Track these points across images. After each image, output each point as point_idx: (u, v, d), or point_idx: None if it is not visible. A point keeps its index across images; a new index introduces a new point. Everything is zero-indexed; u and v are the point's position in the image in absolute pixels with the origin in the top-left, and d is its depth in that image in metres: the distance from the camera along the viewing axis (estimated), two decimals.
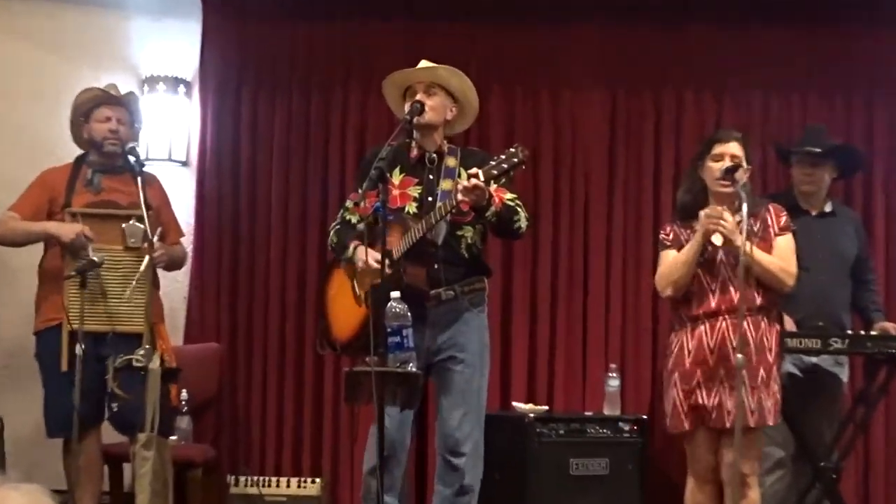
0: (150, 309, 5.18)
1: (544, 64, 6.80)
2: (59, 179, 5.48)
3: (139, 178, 5.17)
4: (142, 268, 5.22)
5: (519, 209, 4.83)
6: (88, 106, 5.52)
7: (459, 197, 4.53)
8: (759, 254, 4.70)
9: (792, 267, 4.83)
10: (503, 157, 4.52)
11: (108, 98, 5.52)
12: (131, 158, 5.34)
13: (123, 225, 5.29)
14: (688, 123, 6.75)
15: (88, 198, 5.42)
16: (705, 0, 6.76)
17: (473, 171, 4.51)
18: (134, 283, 5.23)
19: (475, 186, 4.47)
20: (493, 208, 4.65)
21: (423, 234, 4.63)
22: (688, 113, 6.76)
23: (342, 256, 4.86)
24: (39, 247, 5.56)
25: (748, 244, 4.49)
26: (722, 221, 4.68)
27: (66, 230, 5.28)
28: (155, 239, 5.23)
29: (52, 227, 5.37)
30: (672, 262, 4.88)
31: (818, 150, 5.80)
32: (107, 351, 5.11)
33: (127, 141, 5.46)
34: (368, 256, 4.57)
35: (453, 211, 4.62)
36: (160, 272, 5.59)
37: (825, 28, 6.78)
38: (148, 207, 5.18)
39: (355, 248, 4.71)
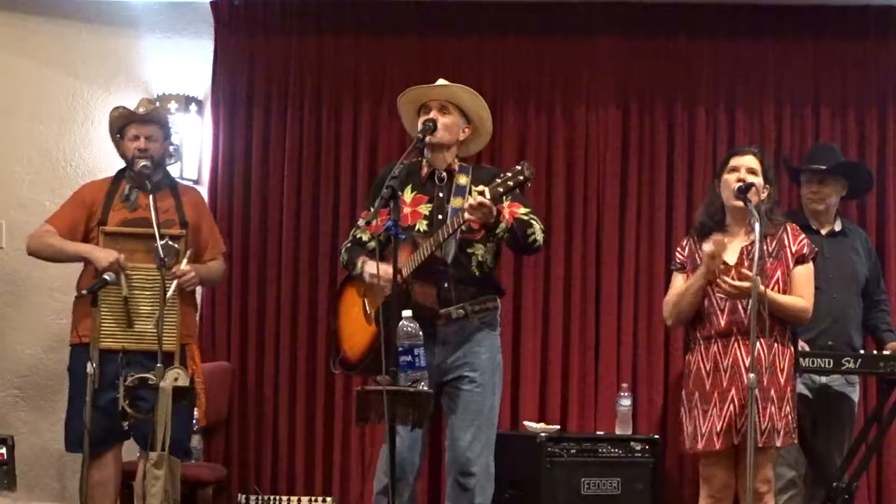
0: (163, 326, 5.15)
1: (557, 80, 6.79)
2: (97, 194, 5.48)
3: (151, 197, 5.16)
4: (171, 289, 5.22)
5: (534, 222, 4.80)
6: (118, 124, 5.51)
7: (466, 216, 4.52)
8: (775, 296, 4.68)
9: (809, 301, 4.83)
10: (509, 174, 4.51)
11: (134, 116, 5.51)
12: (143, 175, 5.33)
13: (157, 244, 5.26)
14: (700, 139, 6.73)
15: (124, 214, 5.42)
16: (717, 16, 6.75)
17: (480, 188, 4.51)
18: (162, 306, 5.24)
19: (481, 204, 4.46)
20: (503, 224, 4.64)
21: (432, 251, 4.62)
22: (700, 129, 6.74)
23: (352, 273, 4.86)
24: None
25: (761, 285, 4.49)
26: (729, 281, 4.66)
27: (102, 256, 5.26)
28: (184, 261, 5.24)
29: (86, 250, 5.35)
30: (678, 293, 4.90)
31: (823, 167, 5.79)
32: (129, 370, 5.09)
33: (159, 158, 5.47)
34: (376, 268, 4.53)
35: (462, 228, 4.61)
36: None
37: (838, 42, 6.76)
38: (184, 225, 5.18)
39: (363, 264, 4.71)
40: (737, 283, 4.64)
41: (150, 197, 5.17)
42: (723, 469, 4.80)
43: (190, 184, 6.66)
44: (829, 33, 6.76)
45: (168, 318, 5.21)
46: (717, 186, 4.93)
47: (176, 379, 4.93)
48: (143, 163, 5.38)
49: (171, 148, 5.68)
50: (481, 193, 4.46)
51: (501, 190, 4.48)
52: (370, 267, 4.58)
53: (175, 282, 5.20)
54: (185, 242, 5.35)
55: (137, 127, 5.48)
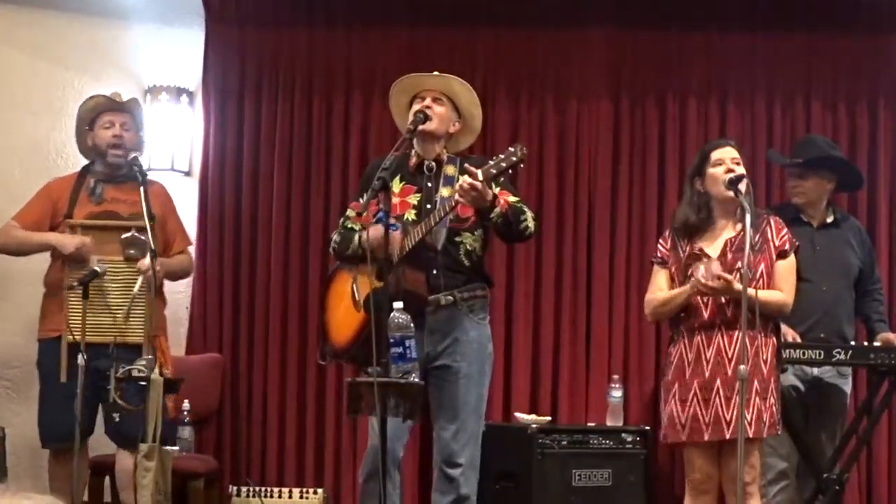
0: (148, 321, 5.15)
1: (549, 72, 6.79)
2: (63, 190, 5.49)
3: (142, 189, 5.14)
4: (138, 284, 5.22)
5: (526, 209, 4.79)
6: (92, 114, 5.52)
7: (457, 197, 4.49)
8: (761, 294, 4.65)
9: (791, 295, 4.80)
10: (502, 156, 4.47)
11: (111, 105, 5.52)
12: (134, 168, 5.32)
13: (123, 236, 5.24)
14: (692, 132, 6.73)
15: (90, 208, 5.42)
16: (709, 8, 6.76)
17: (471, 169, 4.47)
18: (131, 300, 5.22)
19: (472, 186, 4.42)
20: (497, 209, 4.62)
21: (422, 236, 4.60)
22: (691, 121, 6.75)
23: (348, 251, 4.78)
24: (37, 257, 5.55)
25: (751, 289, 4.48)
26: (710, 284, 4.64)
27: (68, 242, 5.29)
28: (147, 257, 5.20)
29: (53, 238, 5.37)
30: (661, 298, 4.88)
31: (799, 160, 5.78)
32: (106, 362, 5.07)
33: (132, 148, 5.48)
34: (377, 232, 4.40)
35: (451, 215, 4.60)
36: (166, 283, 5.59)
37: (829, 35, 6.78)
38: (151, 218, 5.17)
39: (366, 229, 4.58)
40: (713, 284, 4.63)
41: (142, 190, 5.15)
42: (705, 460, 4.78)
43: (180, 175, 6.68)
44: (820, 27, 6.77)
45: (137, 312, 5.21)
46: (697, 183, 4.89)
47: (140, 371, 4.92)
48: (116, 152, 5.42)
49: (140, 142, 5.68)
50: (473, 175, 4.43)
51: (494, 172, 4.44)
52: (373, 230, 4.44)
53: (140, 277, 5.20)
54: (154, 234, 5.33)
55: (112, 115, 5.50)
